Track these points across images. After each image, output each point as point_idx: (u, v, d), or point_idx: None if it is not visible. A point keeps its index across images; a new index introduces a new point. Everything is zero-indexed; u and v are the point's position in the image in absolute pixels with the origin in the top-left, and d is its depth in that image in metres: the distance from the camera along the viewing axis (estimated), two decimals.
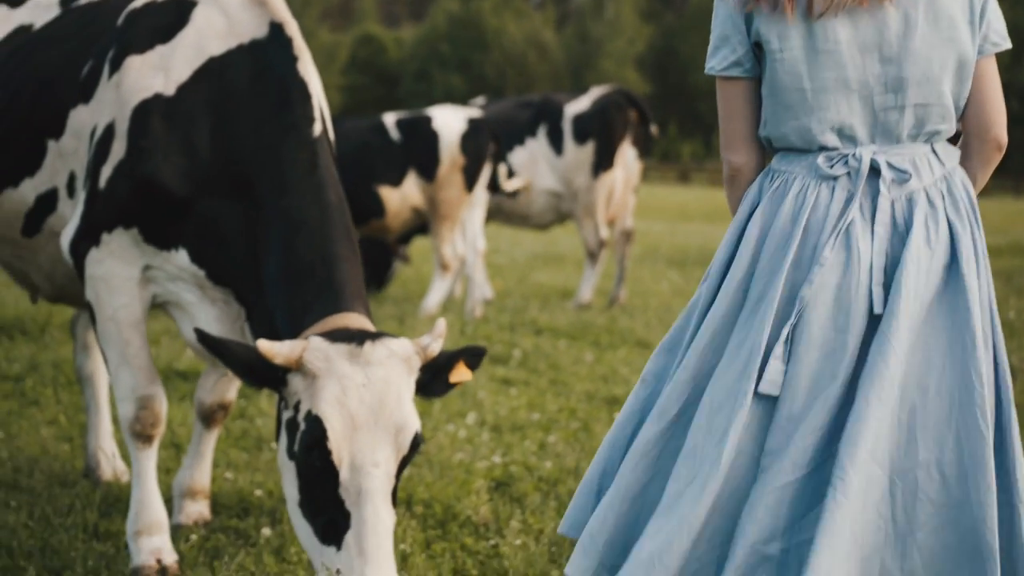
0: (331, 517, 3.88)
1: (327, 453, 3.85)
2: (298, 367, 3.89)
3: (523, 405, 7.29)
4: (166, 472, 5.57)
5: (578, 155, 11.68)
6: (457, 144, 10.73)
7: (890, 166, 2.99)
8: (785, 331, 2.91)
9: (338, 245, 4.28)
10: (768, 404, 2.91)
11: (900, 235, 2.97)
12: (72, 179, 4.63)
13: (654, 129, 12.17)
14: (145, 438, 4.51)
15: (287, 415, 3.99)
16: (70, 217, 4.65)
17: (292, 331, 4.12)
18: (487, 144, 10.87)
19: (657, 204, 36.51)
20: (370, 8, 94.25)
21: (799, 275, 2.96)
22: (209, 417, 4.95)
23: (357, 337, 3.97)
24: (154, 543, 4.47)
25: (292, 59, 4.45)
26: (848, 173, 2.99)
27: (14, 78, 4.77)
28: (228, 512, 5.09)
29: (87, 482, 5.44)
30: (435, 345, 4.11)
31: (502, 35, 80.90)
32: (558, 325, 10.30)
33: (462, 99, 14.24)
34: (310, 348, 3.91)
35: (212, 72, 4.41)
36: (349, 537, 3.84)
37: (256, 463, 5.82)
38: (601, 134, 11.65)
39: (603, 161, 11.68)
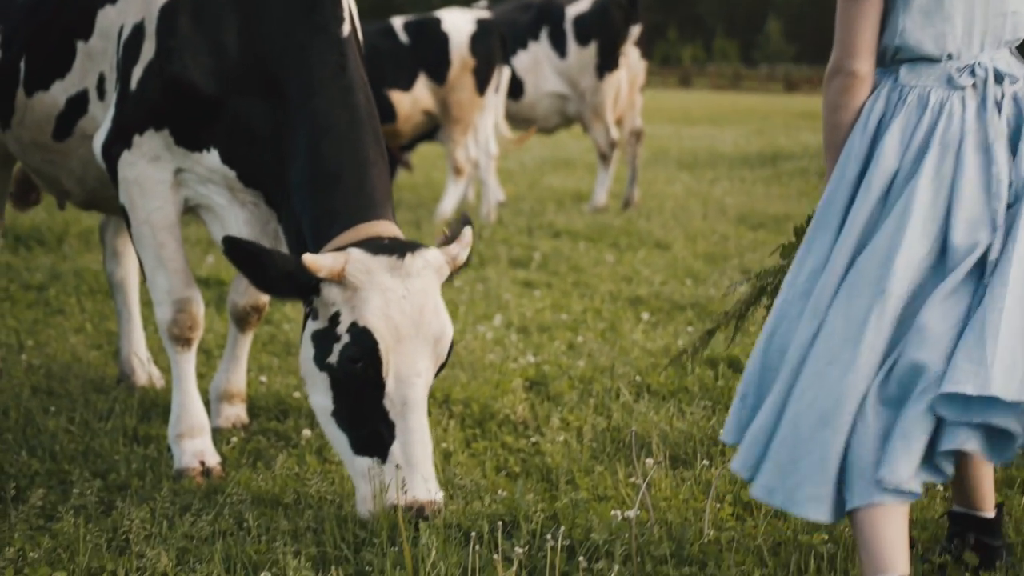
0: (374, 428, 3.86)
1: (376, 364, 3.82)
2: (340, 279, 3.86)
3: (548, 307, 7.27)
4: (198, 378, 5.55)
5: (581, 56, 11.55)
6: (467, 46, 10.61)
7: (1003, 72, 3.14)
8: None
9: (367, 149, 4.21)
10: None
11: (1016, 134, 3.13)
12: (102, 81, 4.56)
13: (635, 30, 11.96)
14: (184, 341, 4.48)
15: (317, 326, 3.93)
16: (101, 120, 4.59)
17: (319, 238, 4.05)
18: (497, 46, 10.74)
19: (660, 108, 36.22)
20: None
21: (940, 185, 3.07)
22: (243, 320, 4.92)
23: (396, 248, 3.92)
24: (197, 445, 4.47)
25: None
26: (974, 84, 3.13)
27: None
28: (267, 415, 5.09)
29: (123, 388, 5.43)
30: (463, 254, 4.09)
31: None
32: (576, 228, 10.25)
33: (464, 2, 14.02)
34: (351, 260, 3.86)
35: None
36: (395, 448, 3.84)
37: (288, 367, 5.82)
38: (603, 35, 11.52)
39: (607, 62, 11.56)
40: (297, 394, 5.21)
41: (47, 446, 4.58)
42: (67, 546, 3.53)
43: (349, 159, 4.14)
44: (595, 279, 8.18)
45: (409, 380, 3.85)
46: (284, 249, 4.33)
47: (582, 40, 11.54)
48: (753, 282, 4.04)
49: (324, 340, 3.90)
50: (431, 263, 3.94)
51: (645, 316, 6.91)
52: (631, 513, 3.58)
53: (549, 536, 3.48)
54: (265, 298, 4.92)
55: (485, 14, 11.15)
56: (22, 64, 4.81)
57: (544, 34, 11.65)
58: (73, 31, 4.59)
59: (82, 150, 4.75)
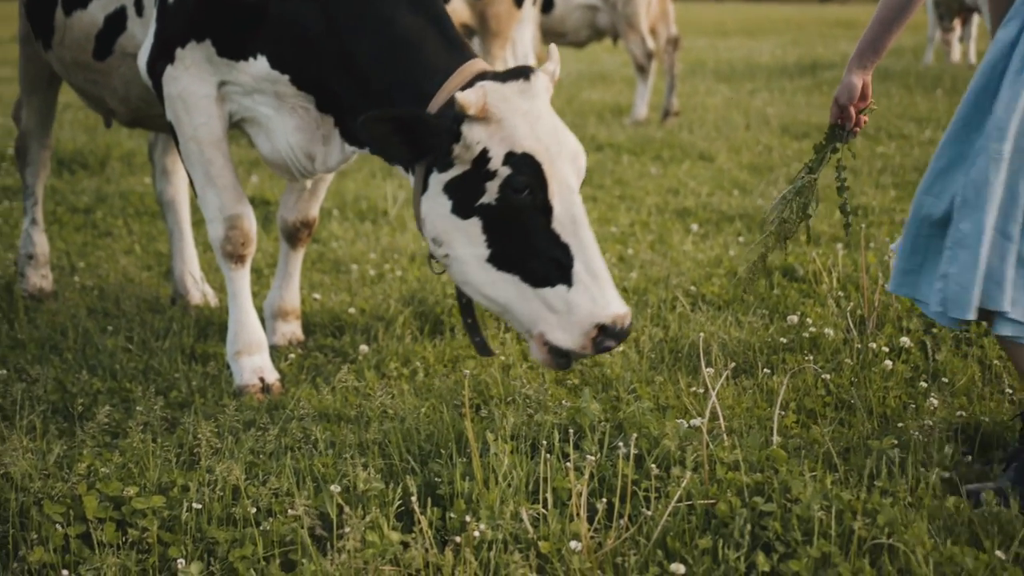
0: (550, 255, 3.80)
1: (544, 187, 3.77)
2: (483, 114, 3.80)
3: (595, 220, 7.21)
4: (252, 296, 5.56)
5: None
6: None
7: None
8: None
9: (437, 3, 4.16)
10: None
11: None
12: None
13: None
14: (237, 258, 4.46)
15: (453, 174, 3.84)
16: (140, 37, 4.53)
17: (421, 98, 3.95)
18: None
19: (693, 21, 35.82)
20: None
21: None
22: (293, 236, 4.90)
23: (516, 74, 3.90)
24: (255, 362, 4.47)
25: None
26: None
27: None
28: (322, 331, 5.09)
29: (177, 307, 5.43)
30: (558, 70, 4.08)
31: None
32: (618, 141, 10.16)
33: None
34: (488, 92, 3.82)
35: None
36: (578, 267, 3.78)
37: (340, 284, 5.81)
38: None
39: None
40: (352, 310, 5.20)
41: (107, 365, 4.59)
42: (136, 461, 3.55)
43: (425, 13, 4.07)
44: (640, 192, 8.11)
45: (571, 197, 3.83)
46: (332, 152, 4.33)
47: None
48: (789, 199, 3.98)
49: (469, 184, 3.84)
50: (546, 82, 3.97)
51: (694, 228, 6.85)
52: (697, 421, 3.57)
53: (621, 444, 3.47)
54: (315, 213, 4.89)
55: None
56: None
57: None
58: None
59: (123, 68, 4.70)
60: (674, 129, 10.95)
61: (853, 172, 8.56)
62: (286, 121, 4.31)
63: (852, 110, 3.85)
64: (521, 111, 3.81)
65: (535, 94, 3.87)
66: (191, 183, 4.51)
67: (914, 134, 10.23)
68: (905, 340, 4.50)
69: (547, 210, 3.78)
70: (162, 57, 4.32)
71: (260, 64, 4.22)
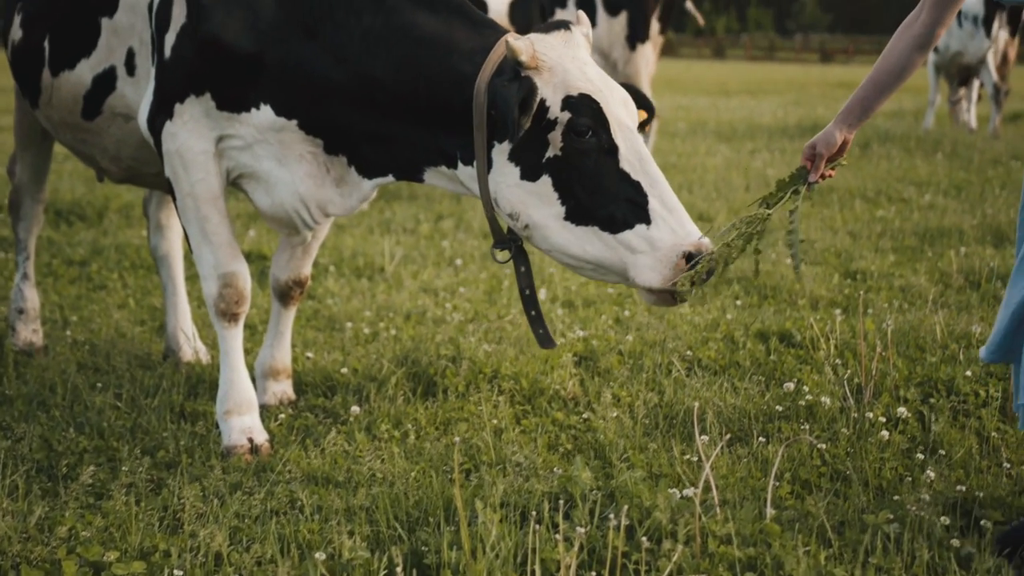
0: (624, 196, 3.78)
1: (606, 125, 3.78)
2: (535, 64, 3.79)
3: (592, 280, 7.17)
4: (244, 353, 5.51)
5: (612, 26, 11.40)
6: (506, 14, 10.52)
7: None
8: None
9: None
10: None
11: None
12: (131, 56, 4.46)
13: (694, 10, 11.81)
14: (231, 316, 4.42)
15: (524, 131, 3.81)
16: (131, 97, 4.51)
17: (462, 80, 3.91)
18: (536, 15, 10.63)
19: (696, 80, 36.05)
20: None
21: None
22: (286, 295, 4.86)
23: (559, 25, 3.95)
24: (245, 422, 4.42)
25: None
26: None
27: None
28: (314, 391, 5.03)
29: (169, 363, 5.38)
30: (590, 32, 4.10)
31: None
32: None
33: None
34: (536, 41, 3.86)
35: None
36: (654, 204, 3.77)
37: (334, 342, 5.76)
38: (633, 5, 11.37)
39: (638, 32, 11.41)
40: (345, 370, 5.15)
41: (95, 423, 4.54)
42: (119, 525, 3.49)
43: (446, 7, 4.06)
44: None
45: (632, 136, 3.84)
46: (351, 192, 4.29)
47: (612, 10, 11.40)
48: (740, 228, 3.91)
49: (533, 141, 3.84)
50: (584, 36, 4.02)
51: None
52: (690, 492, 3.51)
53: (612, 514, 3.41)
54: (308, 271, 4.86)
55: None
56: (46, 44, 4.74)
57: (571, 3, 11.52)
58: (97, 8, 4.49)
59: (114, 128, 4.67)
60: (674, 189, 10.94)
61: (852, 235, 8.56)
62: (294, 171, 4.26)
63: (823, 161, 3.85)
64: (569, 57, 3.86)
65: (578, 44, 3.93)
66: (186, 239, 4.48)
67: (914, 198, 10.22)
68: (902, 410, 4.45)
69: (613, 150, 3.80)
70: (161, 113, 4.29)
71: (264, 113, 4.19)
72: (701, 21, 11.89)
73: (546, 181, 3.84)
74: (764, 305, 6.55)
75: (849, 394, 4.69)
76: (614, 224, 3.79)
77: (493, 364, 5.17)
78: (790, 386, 4.77)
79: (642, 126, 3.99)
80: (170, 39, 4.19)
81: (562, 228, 3.85)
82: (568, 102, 3.79)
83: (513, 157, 3.87)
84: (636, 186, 3.78)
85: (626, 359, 5.39)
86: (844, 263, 7.61)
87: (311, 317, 6.34)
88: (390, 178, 4.25)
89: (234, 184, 4.42)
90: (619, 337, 5.75)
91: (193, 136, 4.24)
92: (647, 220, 3.75)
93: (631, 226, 3.77)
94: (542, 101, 3.80)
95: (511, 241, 4.08)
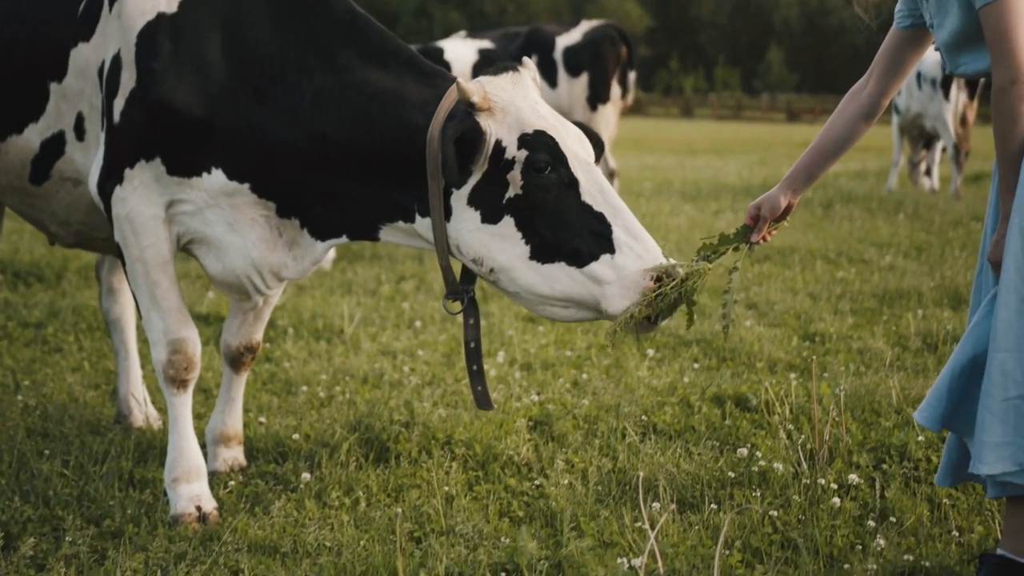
0: (589, 228, 3.80)
1: (564, 160, 3.81)
2: (487, 105, 3.82)
3: (552, 343, 7.18)
4: (197, 418, 5.46)
5: (572, 88, 11.52)
6: (469, 75, 10.56)
7: None
8: None
9: (404, 48, 4.17)
10: None
11: None
12: (80, 121, 4.44)
13: (632, 75, 11.96)
14: (180, 383, 4.38)
15: (476, 178, 3.85)
16: (80, 161, 4.48)
17: (414, 131, 3.93)
18: None
19: (663, 139, 36.31)
20: None
21: None
22: (237, 360, 4.82)
23: (507, 67, 4.00)
24: (193, 490, 4.37)
25: None
26: None
27: (10, 21, 4.57)
28: (265, 457, 4.99)
29: (119, 429, 5.33)
30: (537, 76, 4.14)
31: None
32: None
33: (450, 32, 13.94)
34: (486, 84, 3.90)
35: None
36: (618, 232, 3.78)
37: (288, 406, 5.72)
38: (594, 67, 11.50)
39: (599, 94, 11.54)
40: (296, 436, 5.11)
41: (40, 491, 4.48)
42: None
43: (395, 60, 4.10)
44: None
45: (591, 168, 3.87)
46: (303, 255, 4.28)
47: (573, 71, 11.52)
48: (676, 284, 3.89)
49: (491, 184, 3.86)
50: (532, 78, 4.07)
51: (650, 352, 6.82)
52: (638, 561, 3.49)
53: None
54: (259, 337, 4.82)
55: (488, 43, 11.12)
56: None
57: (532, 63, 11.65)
58: (46, 72, 4.46)
59: (62, 193, 4.63)
60: None
61: (812, 297, 8.59)
62: (246, 235, 4.24)
63: (766, 223, 3.89)
64: (520, 96, 3.89)
65: (527, 84, 3.97)
66: (136, 304, 4.45)
67: (875, 259, 10.28)
68: (854, 477, 4.45)
69: (574, 183, 3.82)
70: (111, 178, 4.27)
71: (216, 178, 4.17)
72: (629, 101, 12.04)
73: (508, 222, 3.85)
74: (722, 368, 6.55)
75: (803, 459, 4.68)
76: (580, 258, 3.81)
77: (447, 429, 5.14)
78: (743, 451, 4.77)
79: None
80: (119, 104, 4.17)
81: (528, 268, 3.86)
82: (524, 140, 3.82)
83: (473, 201, 3.88)
84: (599, 217, 3.80)
85: (581, 424, 5.37)
86: (803, 325, 7.63)
87: (267, 380, 6.30)
88: (344, 238, 4.25)
89: (185, 249, 4.39)
90: (575, 401, 5.74)
91: (143, 201, 4.22)
92: (611, 249, 3.77)
93: (596, 257, 3.79)
94: (498, 142, 3.82)
95: (463, 292, 4.08)
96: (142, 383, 5.56)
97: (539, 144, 3.81)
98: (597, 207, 3.81)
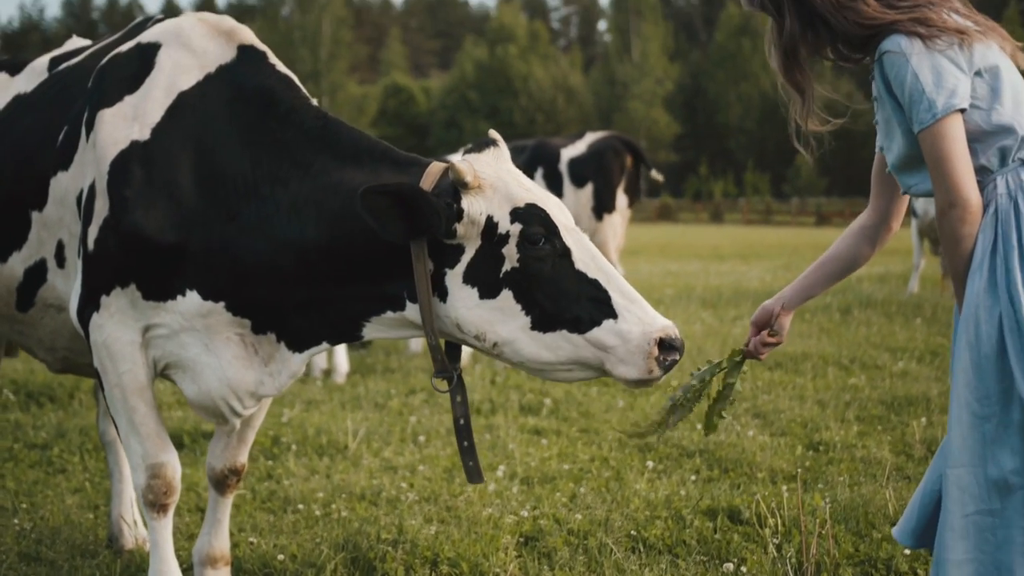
0: (587, 295, 3.88)
1: (556, 231, 3.89)
2: (477, 184, 3.90)
3: (554, 455, 7.17)
4: (189, 539, 5.48)
5: (578, 198, 11.65)
6: None
7: None
8: None
9: (378, 143, 4.25)
10: None
11: None
12: (61, 248, 4.52)
13: (656, 175, 12.08)
14: (159, 507, 4.40)
15: (467, 260, 3.93)
16: (62, 288, 4.56)
17: None
18: None
19: (690, 244, 36.41)
20: (398, 59, 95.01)
21: None
22: (222, 483, 4.84)
23: (487, 143, 4.11)
24: None
25: (268, 67, 4.37)
26: None
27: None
28: None
29: (109, 552, 5.35)
30: (506, 151, 4.20)
31: (529, 80, 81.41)
32: None
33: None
34: (473, 161, 3.99)
35: (185, 107, 4.28)
36: (616, 298, 3.87)
37: (281, 525, 5.73)
38: (599, 177, 11.64)
39: (604, 204, 11.66)
40: (282, 556, 5.11)
41: None
42: None
43: (370, 156, 4.17)
44: (604, 425, 8.07)
45: (580, 235, 3.96)
46: (280, 370, 4.31)
47: (578, 182, 11.65)
48: (667, 407, 3.99)
49: (486, 260, 3.93)
50: (508, 152, 4.17)
51: (649, 464, 6.79)
52: None
53: None
54: (243, 459, 4.85)
55: None
56: None
57: (539, 175, 11.76)
58: (28, 202, 4.55)
59: (47, 319, 4.71)
60: None
61: (821, 404, 8.55)
62: (221, 355, 4.28)
63: (757, 337, 3.91)
64: (505, 171, 3.99)
65: (507, 158, 4.08)
66: (116, 429, 4.49)
67: (887, 364, 10.24)
68: None
69: (566, 252, 3.91)
70: (89, 305, 4.34)
71: (190, 299, 4.22)
72: (660, 178, 12.10)
73: (507, 295, 3.91)
74: (723, 479, 6.52)
75: (790, 573, 4.64)
76: (581, 324, 3.88)
77: (435, 547, 5.13)
78: (729, 567, 4.73)
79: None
80: (93, 232, 4.24)
81: (531, 339, 3.92)
82: (517, 214, 3.90)
83: (469, 279, 3.95)
84: (595, 284, 3.89)
85: (571, 539, 5.35)
86: (808, 434, 7.59)
87: (267, 498, 6.31)
88: (324, 345, 4.28)
89: (163, 375, 4.44)
90: (568, 515, 5.72)
91: (120, 327, 4.28)
92: (613, 315, 3.85)
93: (599, 323, 3.86)
94: (490, 218, 3.90)
95: (452, 371, 4.12)
96: (133, 505, 5.58)
97: (532, 217, 3.89)
98: (591, 274, 3.90)
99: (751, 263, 26.81)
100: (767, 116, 78.53)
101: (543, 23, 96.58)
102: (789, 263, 26.17)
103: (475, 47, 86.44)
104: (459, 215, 3.88)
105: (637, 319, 3.84)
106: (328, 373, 10.70)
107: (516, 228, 3.89)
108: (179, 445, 7.48)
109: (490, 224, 3.91)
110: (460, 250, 3.94)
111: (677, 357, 3.83)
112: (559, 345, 3.90)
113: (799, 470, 6.56)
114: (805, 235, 44.76)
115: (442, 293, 3.98)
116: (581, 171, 11.67)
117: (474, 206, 3.90)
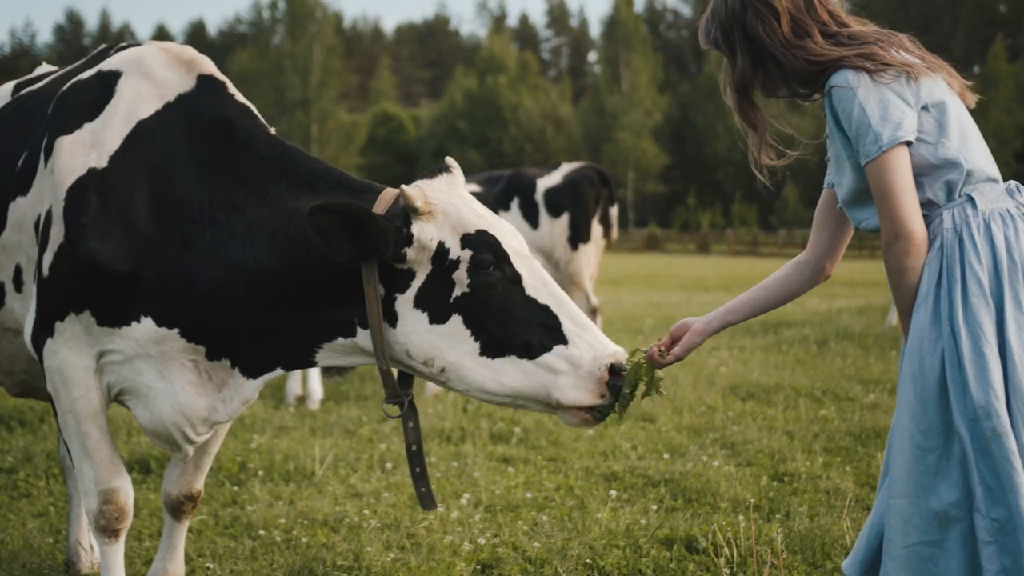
0: (537, 322, 3.90)
1: (506, 257, 3.92)
2: (428, 209, 3.92)
3: (520, 484, 7.18)
4: (147, 563, 5.48)
5: (554, 228, 11.71)
6: None
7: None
8: None
9: (332, 169, 4.28)
10: None
11: None
12: (18, 273, 4.54)
13: (614, 211, 12.13)
14: (111, 532, 4.41)
15: (420, 280, 3.95)
16: (19, 312, 4.57)
17: None
18: None
19: (675, 275, 36.49)
20: (388, 88, 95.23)
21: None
22: (177, 509, 4.86)
23: (440, 169, 4.13)
24: None
25: (227, 97, 4.42)
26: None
27: None
28: None
29: None
30: (461, 176, 4.25)
31: (519, 110, 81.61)
32: None
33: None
34: (425, 187, 4.01)
35: (143, 135, 4.31)
36: (566, 324, 3.90)
37: (240, 551, 5.73)
38: (575, 207, 11.70)
39: (580, 233, 11.72)
40: None
41: None
42: None
43: (325, 183, 4.19)
44: (572, 454, 8.09)
45: (531, 262, 3.98)
46: (233, 396, 4.33)
47: (554, 212, 11.72)
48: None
49: (437, 285, 3.95)
50: (462, 177, 4.20)
51: (613, 493, 6.81)
52: None
53: None
54: (199, 486, 4.86)
55: (475, 187, 11.32)
56: None
57: (515, 205, 11.81)
58: None
59: (4, 343, 4.73)
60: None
61: (789, 435, 8.58)
62: (175, 381, 4.29)
63: (658, 344, 3.94)
64: (457, 197, 4.01)
65: (460, 184, 4.10)
66: (68, 455, 4.50)
67: (859, 396, 10.28)
68: None
69: (517, 278, 3.93)
70: (43, 330, 4.35)
71: (145, 326, 4.24)
72: (614, 211, 12.18)
73: (457, 320, 3.94)
74: (686, 508, 6.54)
75: None
76: (531, 350, 3.90)
77: (390, 574, 5.14)
78: None
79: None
80: (48, 258, 4.26)
81: (478, 364, 3.94)
82: (467, 240, 3.92)
83: (419, 304, 3.97)
84: (545, 309, 3.92)
85: (528, 567, 5.36)
86: (775, 464, 7.61)
87: (229, 524, 6.31)
88: (278, 372, 4.30)
89: (117, 400, 4.46)
90: (527, 543, 5.73)
91: (74, 353, 4.30)
92: (564, 340, 3.88)
93: (549, 348, 3.88)
94: (441, 244, 3.93)
95: (403, 396, 4.13)
96: (90, 529, 5.58)
97: (482, 243, 3.92)
98: (542, 300, 3.93)
99: (734, 294, 26.76)
100: (794, 139, 78.76)
101: (533, 54, 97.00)
102: None
103: (465, 77, 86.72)
104: (409, 240, 3.91)
105: (588, 345, 3.87)
106: (302, 399, 10.70)
107: (466, 254, 3.91)
108: (146, 470, 7.48)
109: (441, 249, 3.94)
110: (411, 275, 3.97)
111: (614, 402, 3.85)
112: (508, 371, 3.92)
113: (762, 500, 6.59)
114: None
115: (392, 318, 4.00)
116: (557, 201, 11.73)
117: (424, 231, 3.93)
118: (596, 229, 11.91)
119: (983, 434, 3.38)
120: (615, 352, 3.87)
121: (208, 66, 4.50)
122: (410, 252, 3.93)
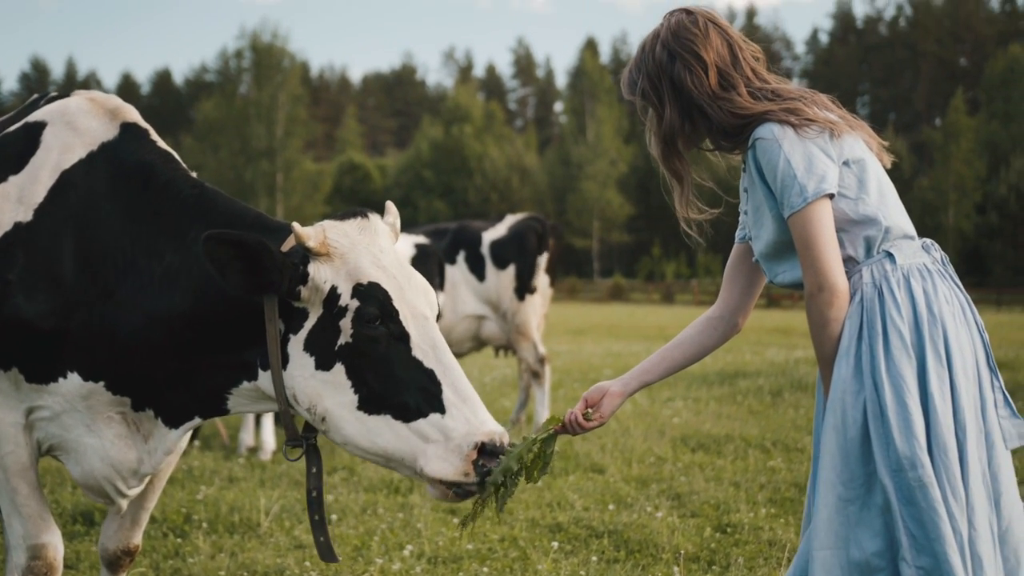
0: (417, 385, 3.80)
1: (394, 314, 3.84)
2: (325, 250, 3.88)
3: (463, 535, 7.18)
4: None
5: (500, 280, 11.78)
6: None
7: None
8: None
9: (249, 210, 4.28)
10: None
11: None
12: None
13: (542, 259, 12.19)
14: None
15: (312, 322, 3.91)
16: None
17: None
18: (436, 271, 10.92)
19: (637, 325, 36.62)
20: (354, 137, 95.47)
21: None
22: (114, 564, 4.85)
23: (353, 214, 4.05)
24: None
25: (148, 143, 4.45)
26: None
27: None
28: None
29: None
30: (398, 223, 4.24)
31: (484, 160, 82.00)
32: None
33: None
34: (328, 228, 3.96)
35: (68, 186, 4.32)
36: (447, 392, 3.78)
37: None
38: (520, 259, 11.78)
39: (526, 284, 11.79)
40: None
41: None
42: None
43: (242, 213, 4.21)
44: (519, 505, 8.11)
45: (427, 324, 3.88)
46: (157, 446, 4.32)
47: (500, 264, 11.79)
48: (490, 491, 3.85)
49: (326, 329, 3.89)
50: (386, 223, 4.13)
51: (555, 545, 6.83)
52: None
53: None
54: (137, 540, 4.85)
55: (424, 239, 11.38)
56: None
57: (461, 258, 11.88)
58: None
59: None
60: (572, 440, 11.02)
61: (736, 486, 8.63)
62: (103, 435, 4.30)
63: (574, 413, 3.91)
64: (363, 244, 3.95)
65: (375, 231, 4.01)
66: None
67: (807, 447, 10.34)
68: None
69: (404, 337, 3.84)
70: None
71: (72, 381, 4.25)
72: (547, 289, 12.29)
73: (339, 369, 3.88)
74: (627, 559, 6.56)
75: None
76: (407, 412, 3.82)
77: None
78: None
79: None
80: None
81: (355, 418, 3.87)
82: (358, 290, 3.88)
83: (308, 347, 3.93)
84: (429, 374, 3.82)
85: None
86: (720, 515, 7.66)
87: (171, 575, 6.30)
88: (196, 420, 4.29)
89: (50, 455, 4.46)
90: None
91: (3, 409, 4.31)
92: (441, 409, 3.78)
93: (424, 415, 3.80)
94: (333, 288, 3.90)
95: (304, 439, 4.10)
96: None
97: (371, 296, 3.86)
98: (428, 363, 3.84)
99: None
100: (719, 197, 79.29)
101: (499, 104, 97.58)
102: (731, 345, 26.29)
103: (431, 126, 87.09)
104: (304, 278, 3.91)
105: (464, 419, 3.75)
106: (254, 450, 10.69)
107: (354, 304, 3.87)
108: (90, 522, 7.45)
109: (333, 294, 3.91)
110: (304, 315, 3.95)
111: (497, 466, 3.74)
112: (381, 431, 3.85)
113: (703, 551, 6.63)
114: (753, 317, 45.05)
115: (285, 359, 3.98)
116: (503, 253, 11.81)
117: (320, 272, 3.91)
118: (542, 279, 11.99)
119: (908, 484, 3.44)
120: (491, 432, 3.74)
121: (131, 114, 4.54)
122: (304, 291, 3.91)
